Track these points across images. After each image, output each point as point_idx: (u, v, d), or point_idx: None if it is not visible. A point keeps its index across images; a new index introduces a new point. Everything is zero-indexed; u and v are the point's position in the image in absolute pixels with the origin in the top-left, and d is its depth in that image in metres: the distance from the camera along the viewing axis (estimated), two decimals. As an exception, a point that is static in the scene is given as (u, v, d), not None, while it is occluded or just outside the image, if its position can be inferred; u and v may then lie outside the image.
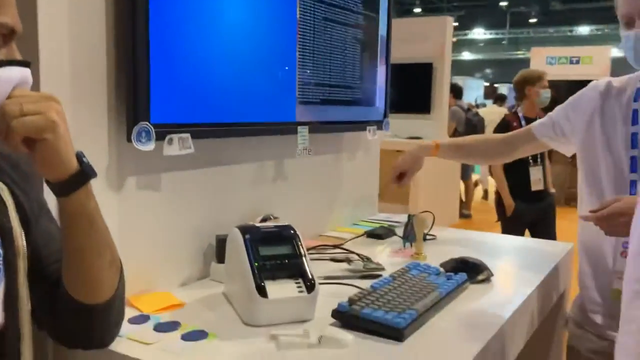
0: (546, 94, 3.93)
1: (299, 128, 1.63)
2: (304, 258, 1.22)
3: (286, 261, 1.20)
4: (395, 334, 1.09)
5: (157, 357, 1.00)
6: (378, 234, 1.93)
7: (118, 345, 1.02)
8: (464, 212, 7.85)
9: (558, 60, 9.58)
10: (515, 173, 3.79)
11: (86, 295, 0.89)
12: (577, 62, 9.48)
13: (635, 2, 1.29)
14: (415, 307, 1.17)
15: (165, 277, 1.37)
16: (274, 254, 1.20)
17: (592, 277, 1.52)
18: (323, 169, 1.94)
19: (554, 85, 8.84)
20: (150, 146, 1.17)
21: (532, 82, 3.95)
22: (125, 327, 1.05)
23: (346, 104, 1.86)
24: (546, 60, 9.53)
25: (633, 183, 1.41)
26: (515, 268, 1.73)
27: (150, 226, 1.32)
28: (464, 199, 8.01)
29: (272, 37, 1.54)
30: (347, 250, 1.70)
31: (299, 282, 1.17)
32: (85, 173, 0.82)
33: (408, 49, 6.20)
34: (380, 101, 2.04)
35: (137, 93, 1.16)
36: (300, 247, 1.24)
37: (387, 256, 1.72)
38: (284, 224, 1.31)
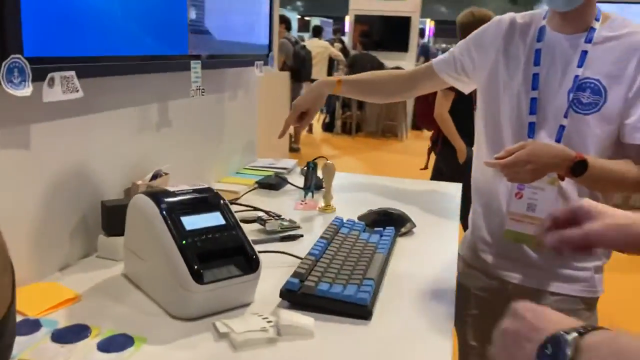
0: None
1: (192, 63, 1.34)
2: (238, 229, 0.99)
3: (218, 235, 0.96)
4: (361, 312, 0.94)
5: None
6: (271, 184, 1.74)
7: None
8: (293, 146, 7.90)
9: (376, -5, 9.82)
10: (462, 117, 3.24)
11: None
12: (394, -3, 9.80)
13: None
14: (370, 275, 1.03)
15: (39, 260, 1.04)
16: (202, 227, 0.96)
17: (484, 217, 1.52)
18: (206, 112, 1.66)
19: (369, 20, 9.23)
20: (26, 90, 0.83)
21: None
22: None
23: (235, 34, 1.59)
24: (366, -5, 9.72)
25: (531, 125, 1.40)
26: (430, 215, 1.61)
27: (13, 195, 0.98)
28: (292, 132, 8.04)
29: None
30: (250, 206, 1.48)
31: (237, 260, 0.95)
32: None
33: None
34: (264, 33, 1.79)
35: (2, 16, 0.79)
36: (232, 215, 1.01)
37: (291, 209, 1.55)
38: (202, 187, 1.06)
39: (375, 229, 1.32)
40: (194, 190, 1.04)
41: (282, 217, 1.40)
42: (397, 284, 1.09)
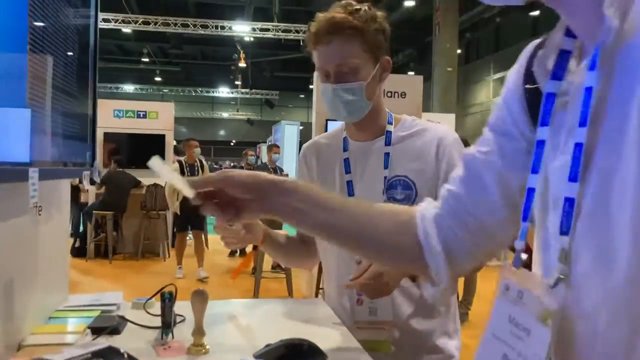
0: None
1: (31, 171, 0.96)
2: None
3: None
4: None
5: None
6: (109, 327, 1.32)
7: None
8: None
9: (125, 113, 9.56)
10: None
11: None
12: (144, 116, 9.66)
13: (329, 57, 1.37)
14: None
15: None
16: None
17: None
18: (10, 239, 1.21)
19: (116, 137, 8.86)
20: None
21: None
22: None
23: (66, 136, 1.23)
24: (113, 113, 9.37)
25: None
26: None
27: None
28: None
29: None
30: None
31: None
32: None
33: None
34: (89, 138, 1.44)
35: None
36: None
37: (153, 358, 1.18)
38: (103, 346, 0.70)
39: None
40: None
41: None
42: None
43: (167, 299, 1.31)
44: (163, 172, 0.85)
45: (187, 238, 7.53)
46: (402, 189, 1.41)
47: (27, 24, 0.99)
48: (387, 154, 1.44)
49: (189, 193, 0.82)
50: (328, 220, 0.85)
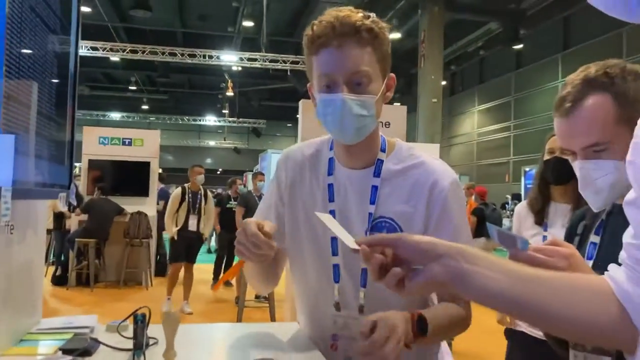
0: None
1: (3, 190, 0.98)
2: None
3: None
4: None
5: None
6: (81, 349, 1.32)
7: None
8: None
9: (111, 140, 9.56)
10: None
11: None
12: (130, 143, 9.67)
13: (340, 63, 1.18)
14: None
15: None
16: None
17: None
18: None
19: (101, 165, 8.83)
20: None
21: None
22: None
23: (42, 158, 1.25)
24: (99, 140, 9.37)
25: (336, 267, 1.32)
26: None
27: None
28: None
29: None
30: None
31: None
32: None
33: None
34: (67, 159, 1.47)
35: None
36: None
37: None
38: None
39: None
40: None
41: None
42: None
43: (140, 321, 1.31)
44: (330, 223, 0.90)
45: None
46: (388, 232, 1.24)
47: (3, 48, 1.02)
48: (375, 188, 1.27)
49: (352, 244, 0.82)
50: (522, 292, 0.76)
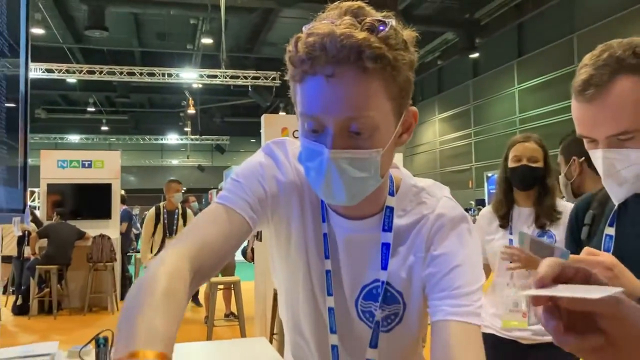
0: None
1: (-48, 217, 0.95)
2: None
3: None
4: None
5: None
6: (41, 378, 1.29)
7: None
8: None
9: (70, 163, 9.36)
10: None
11: None
12: (90, 165, 9.49)
13: (331, 103, 0.81)
14: None
15: None
16: None
17: None
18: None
19: (60, 189, 8.62)
20: None
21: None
22: None
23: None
24: (57, 164, 9.16)
25: (331, 310, 1.01)
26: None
27: None
28: None
29: None
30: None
31: None
32: None
33: None
34: (21, 182, 1.43)
35: None
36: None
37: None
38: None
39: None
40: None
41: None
42: None
43: (102, 344, 1.29)
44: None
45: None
46: (390, 302, 0.97)
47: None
48: (386, 247, 0.95)
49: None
50: None
